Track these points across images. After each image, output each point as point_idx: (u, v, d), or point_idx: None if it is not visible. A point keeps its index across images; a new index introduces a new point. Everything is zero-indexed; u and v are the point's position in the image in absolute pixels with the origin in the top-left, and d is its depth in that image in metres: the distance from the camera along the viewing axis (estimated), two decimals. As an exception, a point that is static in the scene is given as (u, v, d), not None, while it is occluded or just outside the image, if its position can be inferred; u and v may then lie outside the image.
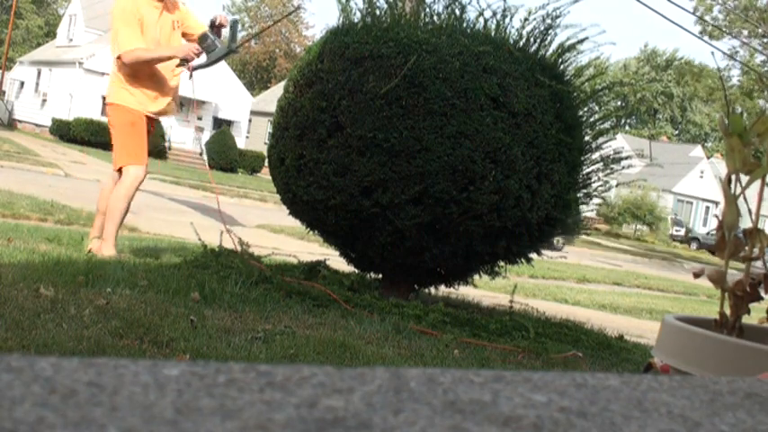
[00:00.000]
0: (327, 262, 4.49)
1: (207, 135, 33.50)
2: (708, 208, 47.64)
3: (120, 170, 4.66)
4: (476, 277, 4.89)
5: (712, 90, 53.41)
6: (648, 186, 34.95)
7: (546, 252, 4.72)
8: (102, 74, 31.74)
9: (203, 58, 4.66)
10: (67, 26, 36.04)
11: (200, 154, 31.13)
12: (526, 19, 4.34)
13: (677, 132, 66.56)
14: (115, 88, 4.66)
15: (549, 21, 4.30)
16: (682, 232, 41.99)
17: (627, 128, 64.19)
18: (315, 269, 4.34)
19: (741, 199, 1.21)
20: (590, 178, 4.70)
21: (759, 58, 35.22)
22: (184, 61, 4.65)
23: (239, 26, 4.79)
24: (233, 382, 0.51)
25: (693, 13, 31.25)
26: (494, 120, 3.90)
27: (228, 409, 0.46)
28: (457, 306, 4.64)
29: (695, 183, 46.72)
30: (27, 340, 2.34)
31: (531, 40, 4.34)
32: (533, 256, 4.63)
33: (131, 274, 3.76)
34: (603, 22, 4.66)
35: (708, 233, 40.33)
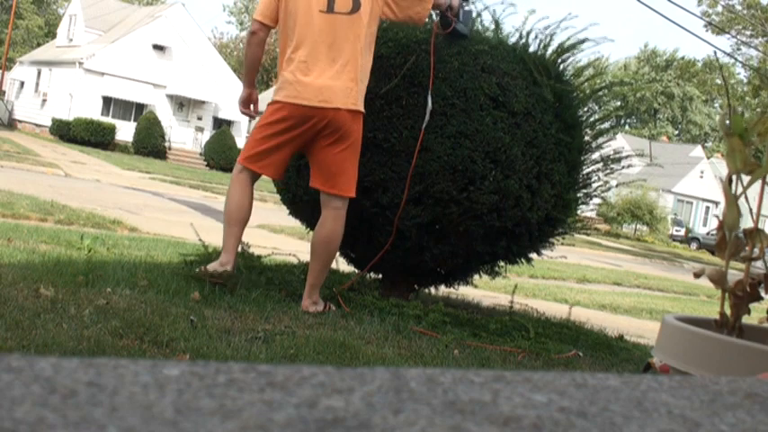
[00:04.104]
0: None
1: (207, 135, 33.51)
2: (708, 208, 47.65)
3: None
4: (476, 277, 4.89)
5: (719, 87, 53.37)
6: (648, 186, 34.94)
7: (546, 252, 4.71)
8: (102, 74, 31.81)
9: (460, 26, 3.89)
10: (67, 26, 36.04)
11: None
12: (526, 18, 4.34)
13: (677, 132, 66.58)
14: (359, 89, 3.64)
15: (550, 28, 4.31)
16: (682, 232, 42.00)
17: (627, 128, 64.21)
18: (315, 269, 4.33)
19: (742, 199, 1.21)
20: (590, 178, 4.69)
21: (752, 53, 35.17)
22: (445, 17, 3.87)
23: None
24: (233, 382, 0.51)
25: (698, 6, 31.20)
26: (493, 119, 3.90)
27: (228, 409, 0.46)
28: (457, 306, 4.64)
29: (695, 183, 46.74)
30: (27, 340, 2.34)
31: (531, 39, 4.34)
32: (533, 256, 4.63)
33: (131, 274, 3.76)
34: (603, 22, 4.67)
35: (708, 233, 40.34)
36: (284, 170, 3.83)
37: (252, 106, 4.03)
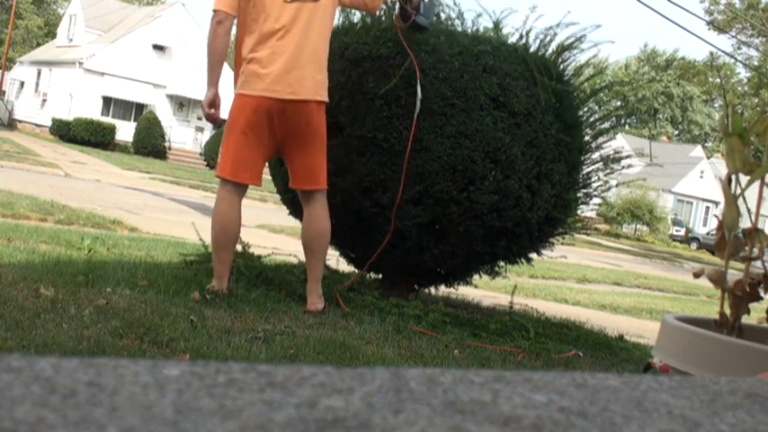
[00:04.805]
0: (327, 262, 4.49)
1: (207, 135, 33.49)
2: (708, 208, 47.65)
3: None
4: (476, 277, 4.89)
5: (719, 86, 53.44)
6: (648, 186, 34.94)
7: (546, 252, 4.71)
8: (102, 74, 31.81)
9: (421, 18, 3.83)
10: (67, 26, 36.03)
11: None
12: (527, 17, 4.35)
13: (677, 132, 66.57)
14: (324, 79, 3.58)
15: (550, 29, 4.32)
16: (682, 232, 42.00)
17: (627, 128, 64.18)
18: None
19: (741, 199, 1.21)
20: (590, 178, 4.69)
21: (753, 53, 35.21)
22: (405, 10, 3.81)
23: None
24: (233, 382, 0.51)
25: (700, 3, 31.25)
26: (494, 119, 3.91)
27: (228, 409, 0.46)
28: (457, 306, 4.64)
29: (695, 183, 46.73)
30: (27, 340, 2.34)
31: (531, 39, 4.34)
32: (533, 256, 4.63)
33: (131, 274, 3.76)
34: (603, 22, 4.67)
35: (708, 233, 40.34)
36: (261, 175, 3.72)
37: (213, 111, 3.71)
